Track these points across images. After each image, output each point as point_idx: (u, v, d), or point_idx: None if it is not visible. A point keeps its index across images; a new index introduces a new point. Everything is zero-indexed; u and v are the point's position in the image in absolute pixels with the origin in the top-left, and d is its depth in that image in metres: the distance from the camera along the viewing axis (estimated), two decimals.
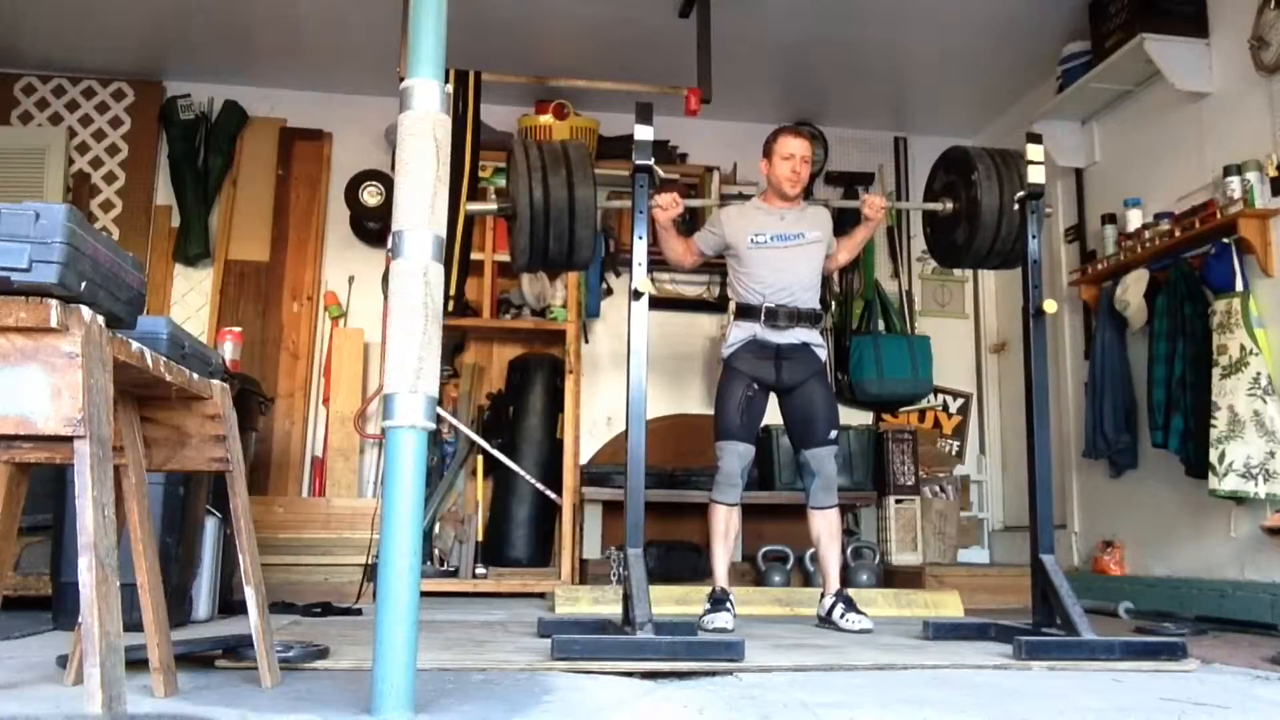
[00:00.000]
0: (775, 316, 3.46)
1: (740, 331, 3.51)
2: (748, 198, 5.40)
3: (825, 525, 3.48)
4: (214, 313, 5.10)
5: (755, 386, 3.46)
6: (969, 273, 5.85)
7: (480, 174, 4.68)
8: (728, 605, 3.33)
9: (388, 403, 1.72)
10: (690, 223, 5.39)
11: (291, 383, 5.11)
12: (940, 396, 5.72)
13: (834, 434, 3.52)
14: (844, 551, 3.67)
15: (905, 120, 5.79)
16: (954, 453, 5.67)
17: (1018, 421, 4.39)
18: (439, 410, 3.00)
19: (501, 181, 5.07)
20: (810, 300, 3.55)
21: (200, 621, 3.23)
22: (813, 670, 2.33)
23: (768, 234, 3.51)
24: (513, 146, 3.02)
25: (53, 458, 1.52)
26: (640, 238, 2.82)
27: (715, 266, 5.44)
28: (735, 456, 3.40)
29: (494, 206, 3.08)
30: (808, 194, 5.59)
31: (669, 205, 3.30)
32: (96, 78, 5.26)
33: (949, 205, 3.36)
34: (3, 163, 5.01)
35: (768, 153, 3.59)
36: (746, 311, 3.51)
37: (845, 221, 4.06)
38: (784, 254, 3.51)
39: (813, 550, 4.71)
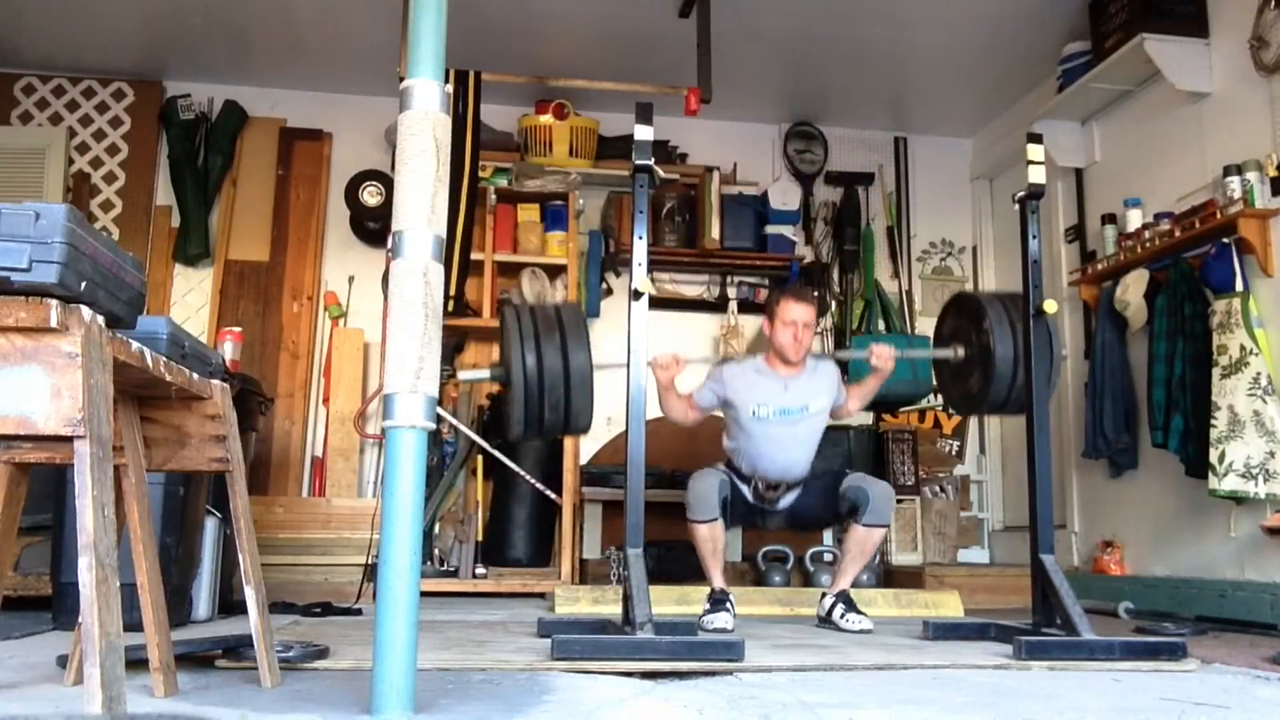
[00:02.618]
0: (763, 497, 3.48)
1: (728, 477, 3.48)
2: (747, 199, 5.47)
3: (862, 538, 3.38)
4: (214, 313, 5.10)
5: (736, 497, 3.45)
6: (969, 273, 5.86)
7: (480, 174, 4.68)
8: (727, 605, 3.33)
9: (388, 403, 1.72)
10: (691, 224, 5.40)
11: (291, 383, 5.11)
12: (940, 396, 5.71)
13: (848, 471, 3.54)
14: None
15: (905, 120, 5.79)
16: (954, 453, 5.67)
17: (1018, 421, 4.39)
18: (439, 410, 2.99)
19: (502, 181, 5.07)
20: (806, 470, 3.50)
21: (200, 621, 3.23)
22: (813, 670, 2.33)
23: (770, 407, 3.42)
24: (504, 311, 2.90)
25: (53, 458, 1.52)
26: (640, 238, 2.82)
27: (715, 266, 5.50)
28: (708, 476, 3.33)
29: (487, 374, 2.94)
30: (807, 194, 5.68)
31: (669, 365, 3.24)
32: (96, 78, 5.26)
33: (960, 352, 3.26)
34: (3, 163, 5.02)
35: (770, 315, 3.51)
36: (736, 472, 3.48)
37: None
38: (786, 430, 3.43)
39: (815, 550, 4.74)
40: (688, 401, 3.50)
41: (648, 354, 2.83)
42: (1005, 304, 3.11)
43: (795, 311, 3.45)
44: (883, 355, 3.44)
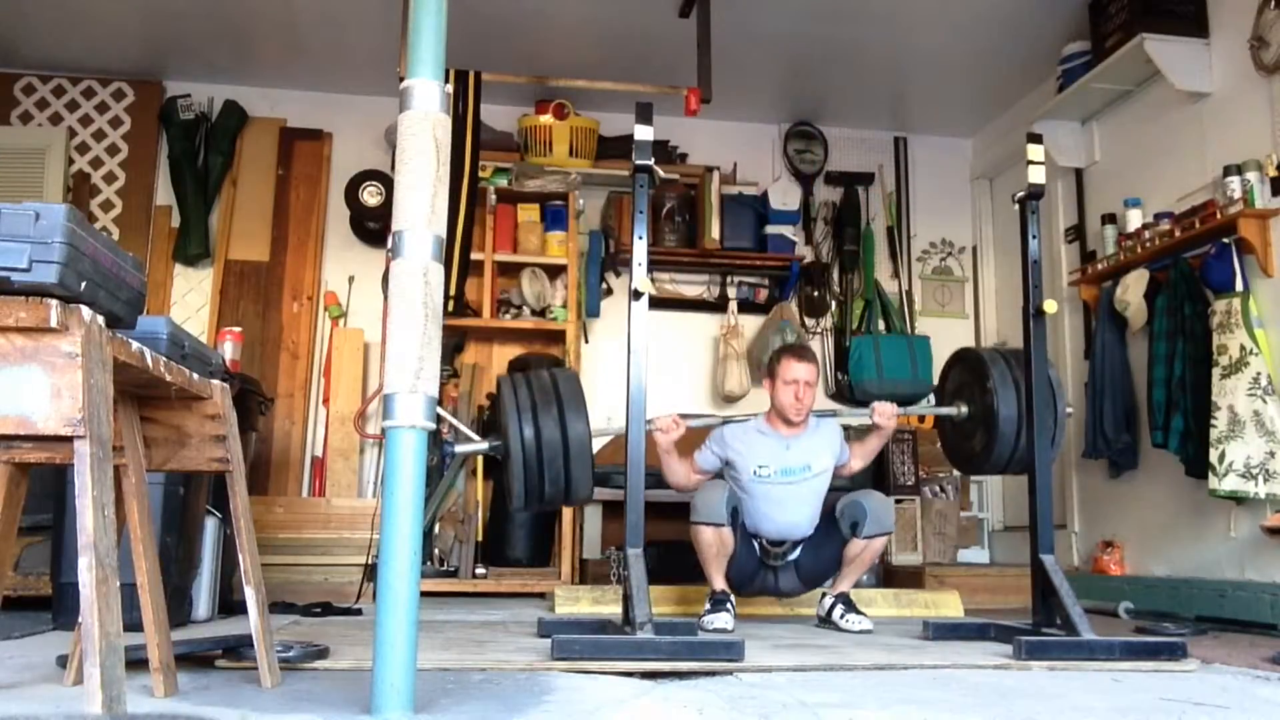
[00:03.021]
0: (769, 553, 3.46)
1: None
2: (747, 199, 5.47)
3: (861, 548, 3.37)
4: (214, 313, 5.10)
5: (745, 553, 3.43)
6: (969, 273, 5.86)
7: (480, 174, 4.68)
8: (728, 605, 3.33)
9: (388, 403, 1.72)
10: (690, 224, 5.39)
11: (291, 383, 5.11)
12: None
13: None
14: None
15: (905, 120, 5.79)
16: None
17: None
18: (439, 410, 2.99)
19: (502, 181, 5.07)
20: (810, 529, 3.46)
21: (200, 621, 3.23)
22: (813, 670, 2.33)
23: (772, 468, 3.39)
24: (500, 384, 2.88)
25: (53, 458, 1.52)
26: (640, 238, 2.82)
27: (715, 266, 5.50)
28: (715, 487, 3.31)
29: (485, 446, 2.91)
30: (807, 193, 5.67)
31: (669, 429, 3.22)
32: (96, 78, 5.26)
33: (963, 409, 3.25)
34: (3, 163, 5.02)
35: (771, 374, 3.49)
36: (742, 529, 3.41)
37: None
38: (788, 490, 3.40)
39: None
40: (689, 465, 3.48)
41: (648, 354, 2.82)
42: (1009, 362, 3.09)
43: (797, 371, 3.42)
44: (885, 414, 3.43)
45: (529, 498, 2.80)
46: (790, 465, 3.41)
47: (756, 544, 3.45)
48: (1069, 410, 3.13)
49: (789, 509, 3.41)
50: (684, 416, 3.33)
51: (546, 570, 4.59)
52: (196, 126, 5.25)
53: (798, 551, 3.48)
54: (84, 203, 5.11)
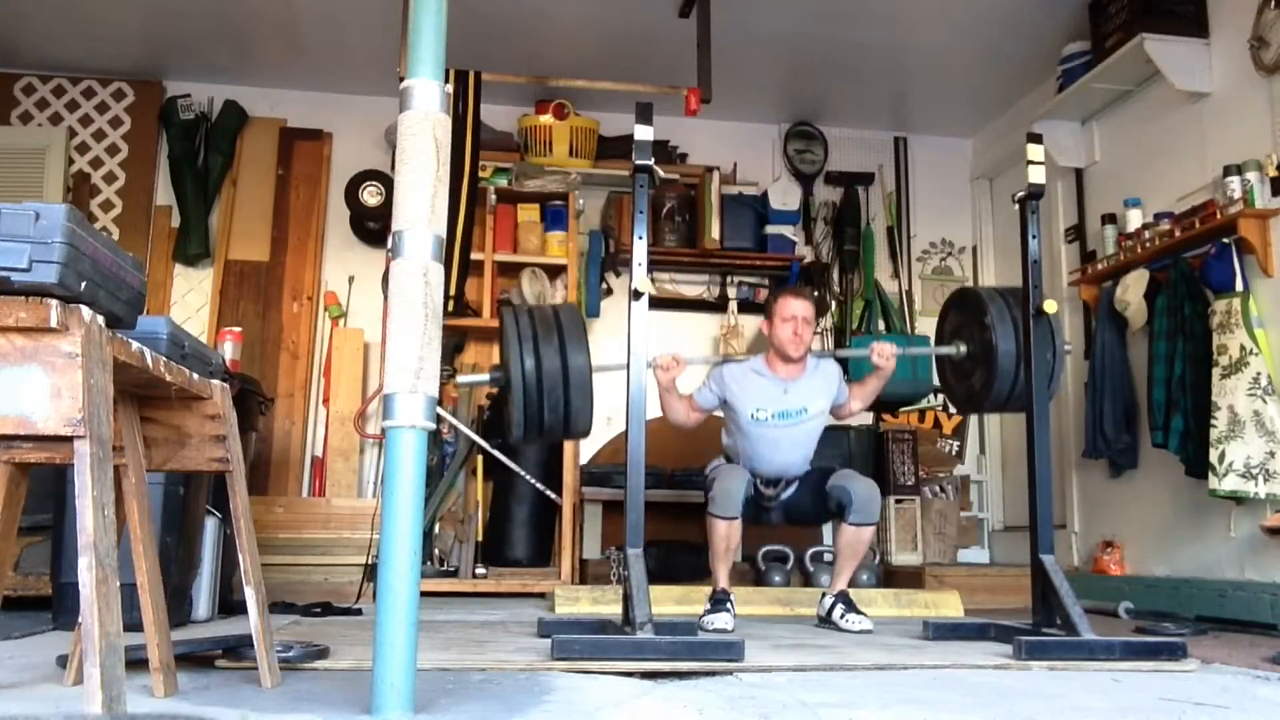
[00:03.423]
0: (762, 494, 3.50)
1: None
2: (747, 199, 5.46)
3: (853, 539, 3.39)
4: (214, 313, 5.10)
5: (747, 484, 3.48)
6: (969, 273, 5.86)
7: (480, 174, 4.68)
8: (728, 605, 3.33)
9: (388, 403, 1.72)
10: (689, 222, 5.40)
11: (291, 383, 5.11)
12: (940, 396, 5.71)
13: (837, 467, 3.55)
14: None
15: (905, 120, 5.79)
16: (954, 453, 5.66)
17: (1018, 421, 4.38)
18: (439, 410, 2.99)
19: (502, 181, 5.08)
20: (804, 468, 3.53)
21: (200, 621, 3.23)
22: (813, 670, 2.33)
23: (769, 411, 3.42)
24: (503, 314, 2.91)
25: (53, 458, 1.52)
26: (640, 238, 2.82)
27: (715, 266, 5.50)
28: (735, 473, 3.35)
29: (487, 378, 2.95)
30: (806, 193, 5.67)
31: (670, 366, 3.24)
32: (96, 78, 5.26)
33: (962, 348, 3.25)
34: (3, 163, 5.02)
35: (769, 314, 3.51)
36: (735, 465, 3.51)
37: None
38: (784, 433, 3.44)
39: (815, 550, 4.74)
40: (689, 403, 3.50)
41: (648, 354, 2.82)
42: (1007, 300, 3.10)
43: (794, 307, 3.45)
44: (884, 353, 3.43)
45: (529, 427, 2.82)
46: (787, 409, 3.43)
47: (751, 483, 3.48)
48: (1068, 348, 3.14)
49: (783, 450, 3.45)
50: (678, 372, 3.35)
51: (546, 570, 4.59)
52: (196, 126, 5.25)
53: (791, 490, 3.53)
54: (84, 203, 5.11)
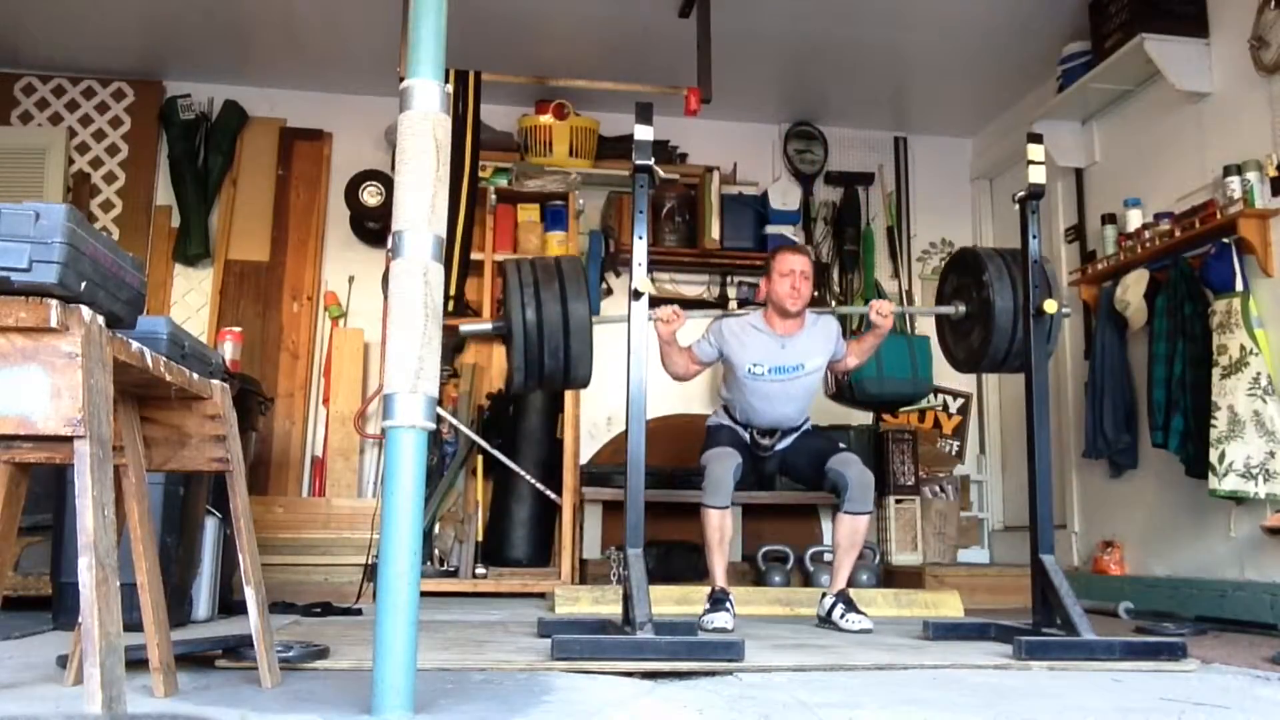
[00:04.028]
0: (758, 444, 3.55)
1: (726, 420, 3.62)
2: (747, 199, 5.46)
3: (849, 530, 3.41)
4: (214, 313, 5.10)
5: (741, 442, 3.54)
6: None
7: (480, 174, 4.68)
8: (727, 605, 3.33)
9: (388, 403, 1.72)
10: (689, 220, 5.40)
11: (291, 383, 5.11)
12: (940, 396, 5.72)
13: (842, 445, 3.57)
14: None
15: (905, 120, 5.79)
16: (954, 453, 5.67)
17: (1018, 421, 4.40)
18: (439, 410, 2.99)
19: (502, 181, 5.08)
20: (798, 421, 3.58)
21: (200, 621, 3.23)
22: (813, 670, 2.33)
23: (766, 366, 3.46)
24: (505, 266, 2.94)
25: (53, 458, 1.52)
26: (640, 238, 2.82)
27: (715, 266, 5.49)
28: (724, 459, 3.38)
29: (489, 326, 2.99)
30: (807, 193, 5.68)
31: (670, 319, 3.25)
32: (96, 78, 5.26)
33: (961, 308, 3.26)
34: (3, 163, 5.02)
35: (767, 271, 3.55)
36: (733, 419, 3.59)
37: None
38: (780, 387, 3.48)
39: (814, 550, 4.74)
40: (688, 355, 3.54)
41: (648, 354, 2.82)
42: (1005, 258, 3.13)
43: (792, 261, 3.49)
44: (882, 311, 3.46)
45: (529, 373, 2.85)
46: (783, 364, 3.47)
47: (748, 433, 3.55)
48: (1066, 311, 3.15)
49: (779, 404, 3.50)
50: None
51: (546, 570, 4.59)
52: (196, 126, 5.25)
53: (786, 443, 3.58)
54: (84, 203, 5.11)
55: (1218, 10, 4.02)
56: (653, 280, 2.88)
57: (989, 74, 5.14)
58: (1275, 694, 2.11)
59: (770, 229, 5.37)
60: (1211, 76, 4.01)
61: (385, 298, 2.77)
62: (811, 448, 3.58)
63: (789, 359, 3.47)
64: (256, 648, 1.95)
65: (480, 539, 4.64)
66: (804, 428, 3.64)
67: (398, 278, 1.76)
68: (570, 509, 4.58)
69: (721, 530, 3.36)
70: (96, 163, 5.21)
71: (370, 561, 4.07)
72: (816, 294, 5.48)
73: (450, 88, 2.15)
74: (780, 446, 3.59)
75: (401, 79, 1.87)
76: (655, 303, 3.23)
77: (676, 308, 3.29)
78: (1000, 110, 5.53)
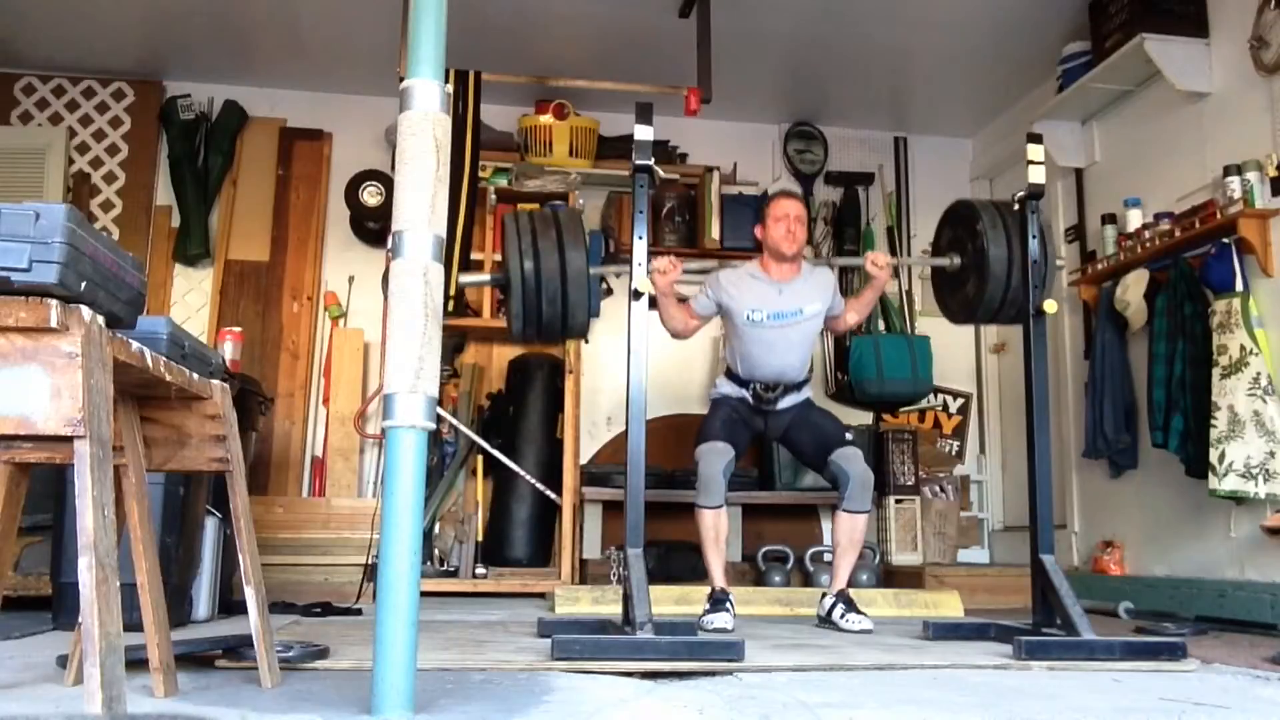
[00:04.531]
0: (762, 399, 3.52)
1: (728, 387, 3.59)
2: (747, 199, 5.46)
3: (849, 529, 3.43)
4: (214, 313, 5.10)
5: (741, 420, 3.53)
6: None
7: (480, 174, 4.68)
8: (727, 605, 3.33)
9: (388, 403, 1.72)
10: (690, 223, 5.40)
11: (291, 383, 5.11)
12: (940, 396, 5.72)
13: (849, 434, 3.55)
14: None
15: (905, 120, 5.79)
16: (954, 453, 5.67)
17: (1018, 421, 4.40)
18: (439, 410, 3.00)
19: (502, 181, 5.07)
20: (800, 372, 3.58)
21: (200, 621, 3.23)
22: (813, 670, 2.33)
23: (764, 311, 3.46)
24: (504, 218, 2.97)
25: (53, 458, 1.52)
26: (640, 238, 2.82)
27: (718, 253, 5.47)
28: (715, 455, 3.38)
29: (487, 278, 3.06)
30: (807, 193, 5.67)
31: (668, 269, 3.25)
32: (96, 78, 5.26)
33: (956, 260, 3.27)
34: (3, 163, 5.01)
35: (762, 218, 3.58)
36: (735, 379, 3.57)
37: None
38: (779, 334, 3.48)
39: (814, 550, 4.75)
40: (686, 310, 3.55)
41: (647, 354, 2.83)
42: (999, 208, 3.15)
43: (786, 206, 3.52)
44: (879, 262, 3.47)
45: (527, 323, 2.89)
46: (782, 309, 3.48)
47: (750, 390, 3.52)
48: (1060, 262, 3.19)
49: (780, 351, 3.49)
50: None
51: (546, 570, 4.59)
52: (196, 126, 5.25)
53: (790, 402, 3.55)
54: (84, 203, 5.11)
55: (1218, 10, 4.02)
56: (652, 280, 2.88)
57: (989, 74, 5.14)
58: (1275, 694, 2.11)
59: None
60: (1211, 76, 4.01)
61: (385, 298, 2.77)
62: (817, 426, 3.55)
63: (787, 304, 3.48)
64: (256, 648, 1.95)
65: (480, 539, 4.64)
66: (806, 392, 3.62)
67: (398, 278, 1.76)
68: (570, 509, 4.58)
69: (716, 529, 3.36)
70: (96, 163, 5.21)
71: (370, 561, 4.07)
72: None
73: (450, 88, 2.15)
74: (784, 405, 3.55)
75: (401, 79, 1.87)
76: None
77: (673, 258, 3.31)
78: (1000, 110, 5.53)
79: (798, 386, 3.58)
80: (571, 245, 2.85)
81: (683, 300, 3.58)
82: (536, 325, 2.90)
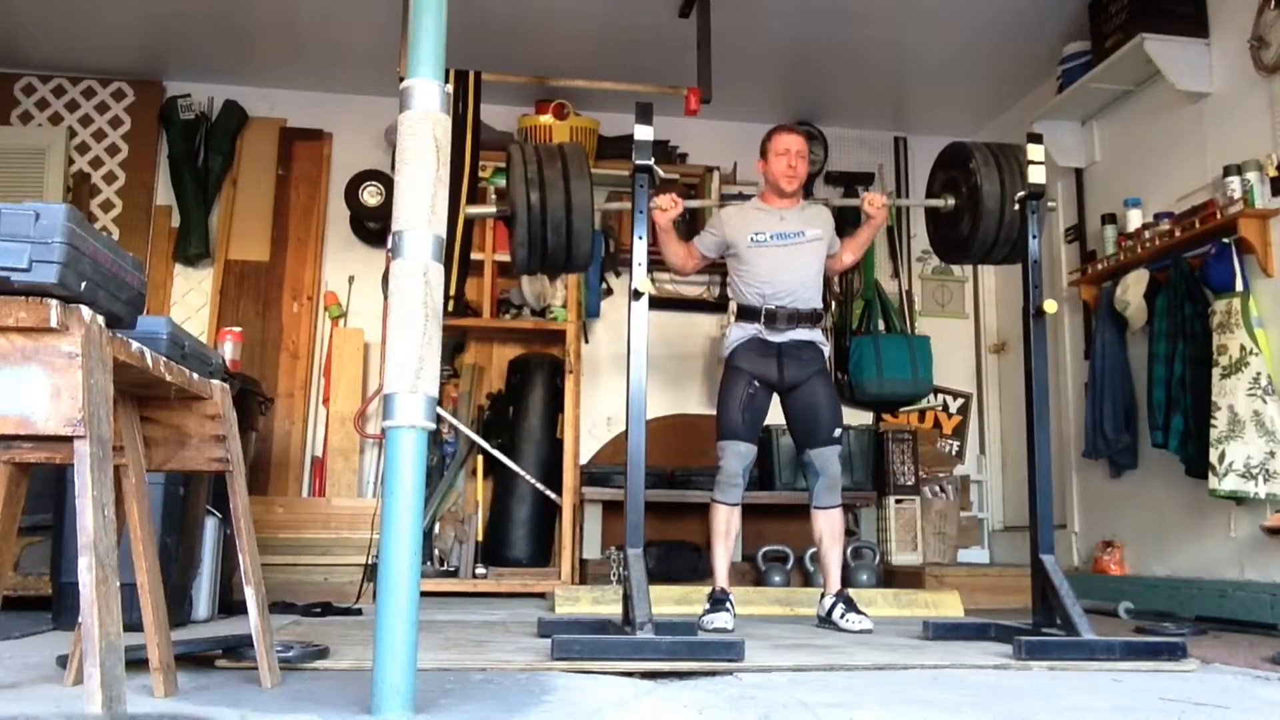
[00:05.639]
0: (775, 319, 3.46)
1: (740, 331, 3.53)
2: (748, 197, 5.45)
3: (828, 525, 3.47)
4: (214, 313, 5.10)
5: (757, 384, 3.47)
6: (969, 272, 5.85)
7: (480, 174, 4.67)
8: (728, 605, 3.33)
9: (388, 403, 1.72)
10: (690, 224, 5.40)
11: (291, 383, 5.11)
12: (940, 396, 5.72)
13: (838, 433, 3.51)
14: (845, 551, 3.66)
15: (905, 120, 5.79)
16: (954, 453, 5.67)
17: (1018, 421, 4.39)
18: (439, 410, 3.00)
19: (502, 181, 5.06)
20: (811, 300, 3.54)
21: (200, 621, 3.23)
22: (813, 670, 2.33)
23: (767, 233, 3.51)
24: (510, 149, 3.03)
25: (53, 458, 1.52)
26: (640, 238, 2.82)
27: (716, 266, 5.46)
28: (737, 457, 3.40)
29: (493, 209, 3.12)
30: (807, 193, 5.67)
31: (669, 206, 3.27)
32: (96, 78, 5.26)
33: (950, 201, 3.34)
34: (3, 163, 5.02)
35: (764, 152, 3.61)
36: (746, 313, 3.52)
37: (846, 220, 4.06)
38: (784, 252, 3.50)
39: (813, 550, 4.74)
40: (687, 248, 3.61)
41: (647, 354, 2.83)
42: (992, 148, 3.20)
43: (788, 141, 3.55)
44: (875, 203, 3.53)
45: (532, 255, 2.92)
46: (785, 231, 3.52)
47: (763, 320, 3.45)
48: (1052, 204, 3.26)
49: (786, 269, 3.50)
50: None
51: (546, 570, 4.59)
52: (196, 126, 5.25)
53: (803, 334, 3.51)
54: (84, 203, 5.11)
55: (1218, 10, 4.02)
56: (652, 280, 2.88)
57: (989, 74, 5.14)
58: (1275, 694, 2.11)
59: None
60: (1211, 76, 4.01)
61: (385, 298, 2.78)
62: (817, 408, 3.47)
63: (789, 227, 3.53)
64: (256, 648, 1.95)
65: (480, 539, 4.63)
66: (820, 336, 3.56)
67: (398, 278, 1.76)
68: (570, 509, 4.58)
69: (729, 525, 3.41)
70: (96, 163, 5.21)
71: (370, 561, 4.07)
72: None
73: (450, 88, 2.16)
74: (799, 338, 3.48)
75: (401, 79, 1.87)
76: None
77: (674, 195, 3.33)
78: (1000, 110, 5.53)
79: (811, 319, 3.53)
80: (577, 175, 2.89)
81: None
82: (541, 255, 2.93)
